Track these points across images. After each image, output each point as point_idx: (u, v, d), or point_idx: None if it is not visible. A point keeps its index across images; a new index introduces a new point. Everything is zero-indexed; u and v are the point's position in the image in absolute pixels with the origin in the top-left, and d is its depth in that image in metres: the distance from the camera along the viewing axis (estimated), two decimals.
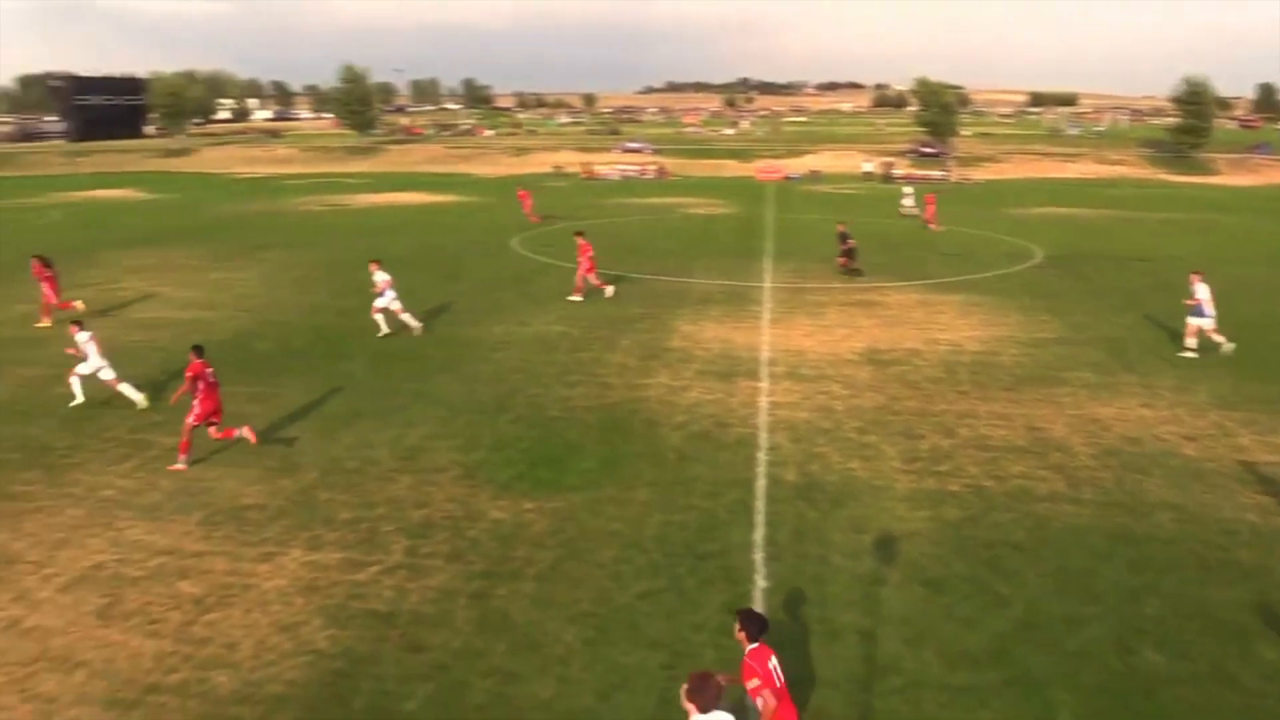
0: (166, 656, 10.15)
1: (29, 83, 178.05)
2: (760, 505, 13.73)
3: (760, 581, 11.61)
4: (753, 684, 7.38)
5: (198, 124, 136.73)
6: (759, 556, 12.25)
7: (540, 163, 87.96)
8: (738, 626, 7.69)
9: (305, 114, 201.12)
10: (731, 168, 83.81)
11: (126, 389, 18.52)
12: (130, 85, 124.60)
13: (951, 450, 15.85)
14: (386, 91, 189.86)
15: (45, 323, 25.19)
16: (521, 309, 26.47)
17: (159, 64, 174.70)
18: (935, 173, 75.46)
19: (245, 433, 15.75)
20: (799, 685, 9.67)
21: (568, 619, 10.86)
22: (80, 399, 18.50)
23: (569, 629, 10.66)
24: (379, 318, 23.76)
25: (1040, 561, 12.11)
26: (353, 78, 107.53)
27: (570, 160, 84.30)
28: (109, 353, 19.07)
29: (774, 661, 7.51)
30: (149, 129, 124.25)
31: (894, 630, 10.60)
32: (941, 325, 24.51)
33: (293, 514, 13.62)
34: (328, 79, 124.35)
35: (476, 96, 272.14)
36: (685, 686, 6.75)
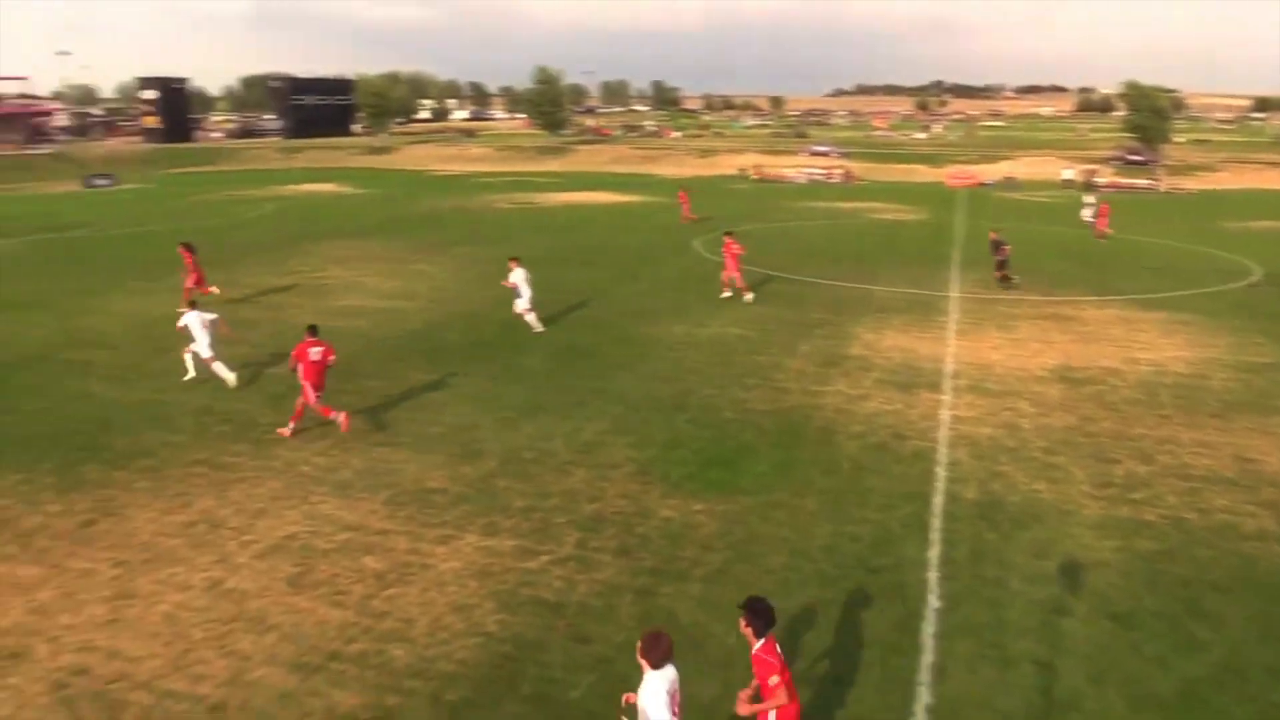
0: (348, 626, 10.69)
1: (251, 83, 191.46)
2: (937, 522, 13.28)
3: (933, 601, 11.23)
4: (773, 681, 7.37)
5: (400, 123, 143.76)
6: (933, 575, 11.84)
7: (725, 165, 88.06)
8: (744, 621, 7.58)
9: (500, 114, 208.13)
10: (921, 173, 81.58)
11: (219, 368, 19.74)
12: (340, 86, 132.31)
13: (1149, 478, 14.88)
14: (578, 93, 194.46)
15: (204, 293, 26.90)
16: (701, 310, 26.56)
17: (366, 66, 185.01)
18: (1142, 181, 71.16)
19: (340, 419, 16.80)
20: (968, 709, 9.31)
21: (732, 623, 10.77)
22: (192, 374, 20.08)
23: (733, 633, 10.57)
24: (530, 318, 24.16)
25: (1243, 604, 11.21)
26: (546, 79, 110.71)
27: (755, 163, 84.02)
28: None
29: (779, 653, 7.54)
30: (356, 128, 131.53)
31: (1075, 664, 10.03)
32: (1143, 344, 23.06)
33: (472, 500, 14.10)
34: (522, 80, 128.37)
35: (664, 98, 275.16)
36: (639, 644, 7.15)
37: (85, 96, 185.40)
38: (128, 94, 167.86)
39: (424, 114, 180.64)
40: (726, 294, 28.02)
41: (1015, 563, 12.14)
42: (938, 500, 13.98)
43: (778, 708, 7.42)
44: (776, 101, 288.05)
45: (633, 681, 9.67)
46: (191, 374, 20.09)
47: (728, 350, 22.29)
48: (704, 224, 45.46)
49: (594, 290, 29.70)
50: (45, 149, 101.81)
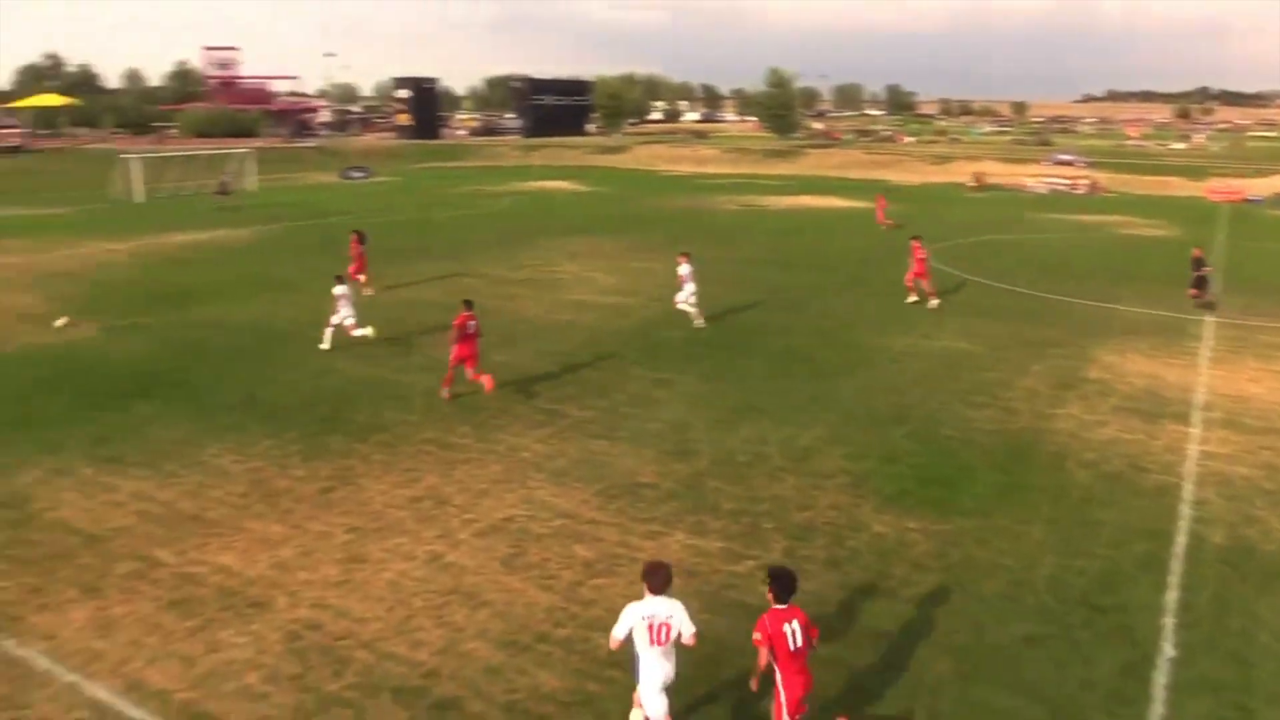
0: (556, 611, 11.00)
1: (494, 83, 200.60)
2: (1177, 565, 12.25)
3: (1167, 649, 10.36)
4: (755, 637, 8.04)
5: (633, 124, 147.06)
6: (1169, 621, 10.93)
7: (960, 172, 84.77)
8: (768, 587, 8.21)
9: (730, 116, 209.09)
10: (1177, 185, 75.62)
11: (359, 332, 22.40)
12: (577, 87, 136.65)
13: None
14: (810, 96, 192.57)
15: (368, 290, 28.57)
16: (927, 321, 25.68)
17: (605, 68, 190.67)
18: None
19: (486, 381, 18.54)
20: None
21: (941, 648, 10.37)
22: (327, 345, 22.39)
23: (941, 659, 10.17)
24: (692, 311, 24.73)
25: None
26: (778, 82, 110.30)
27: (976, 169, 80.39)
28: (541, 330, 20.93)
29: (794, 625, 8.00)
30: (590, 127, 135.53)
31: None
32: None
33: (682, 497, 14.21)
34: (755, 83, 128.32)
35: (899, 103, 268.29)
36: (643, 569, 8.41)
37: (346, 95, 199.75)
38: (383, 93, 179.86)
39: (656, 115, 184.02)
40: (912, 299, 27.66)
41: (1266, 618, 11.03)
42: (1180, 541, 12.90)
43: (784, 677, 8.00)
44: (1019, 107, 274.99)
45: (842, 702, 9.47)
46: (326, 345, 22.45)
47: (954, 364, 21.45)
48: (902, 231, 44.11)
49: (817, 295, 29.32)
50: (310, 143, 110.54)
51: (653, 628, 8.15)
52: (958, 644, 10.45)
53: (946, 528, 13.23)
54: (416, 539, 12.88)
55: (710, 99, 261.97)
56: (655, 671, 8.28)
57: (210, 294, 29.51)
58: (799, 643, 8.02)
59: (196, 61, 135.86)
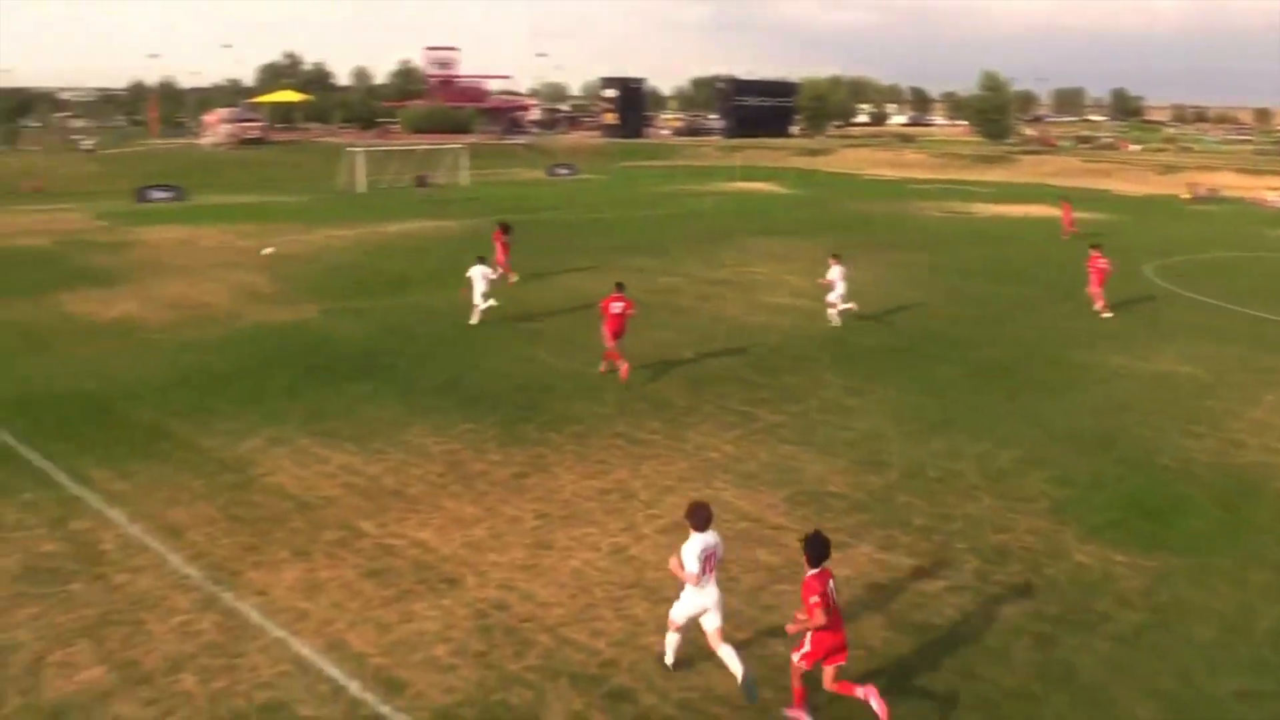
0: (735, 614, 10.91)
1: (700, 84, 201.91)
2: None
3: None
4: (813, 599, 8.66)
5: (837, 126, 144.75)
6: None
7: (1192, 183, 79.08)
8: (804, 551, 8.98)
9: (939, 120, 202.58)
10: None
11: (482, 304, 24.57)
12: (782, 88, 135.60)
13: None
14: (1026, 100, 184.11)
15: (513, 278, 30.06)
16: (1144, 340, 24.05)
17: (812, 69, 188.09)
18: None
19: (622, 368, 19.61)
20: None
21: (1144, 692, 9.69)
22: (476, 320, 24.55)
23: (1143, 704, 9.51)
24: (831, 313, 25.00)
25: None
26: (993, 85, 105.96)
27: (1228, 182, 74.60)
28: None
29: (831, 584, 8.90)
30: (794, 129, 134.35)
31: None
32: None
33: (870, 510, 13.87)
34: (967, 86, 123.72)
35: (1124, 108, 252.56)
36: (687, 508, 9.58)
37: (556, 94, 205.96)
38: (591, 92, 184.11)
39: (862, 118, 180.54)
40: (1098, 306, 27.08)
41: None
42: None
43: (815, 629, 8.73)
44: (1263, 114, 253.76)
45: None
46: (476, 320, 24.56)
47: (1173, 389, 20.01)
48: (1078, 234, 41.64)
49: (1023, 307, 28.03)
50: (520, 140, 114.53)
51: (710, 558, 9.39)
52: (1162, 689, 9.74)
53: (1156, 564, 12.36)
54: (602, 530, 13.12)
55: (919, 102, 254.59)
56: (702, 597, 9.43)
57: (421, 281, 31.07)
58: (836, 599, 8.94)
59: (419, 60, 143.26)
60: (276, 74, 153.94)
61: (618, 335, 19.91)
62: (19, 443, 16.46)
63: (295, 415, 17.75)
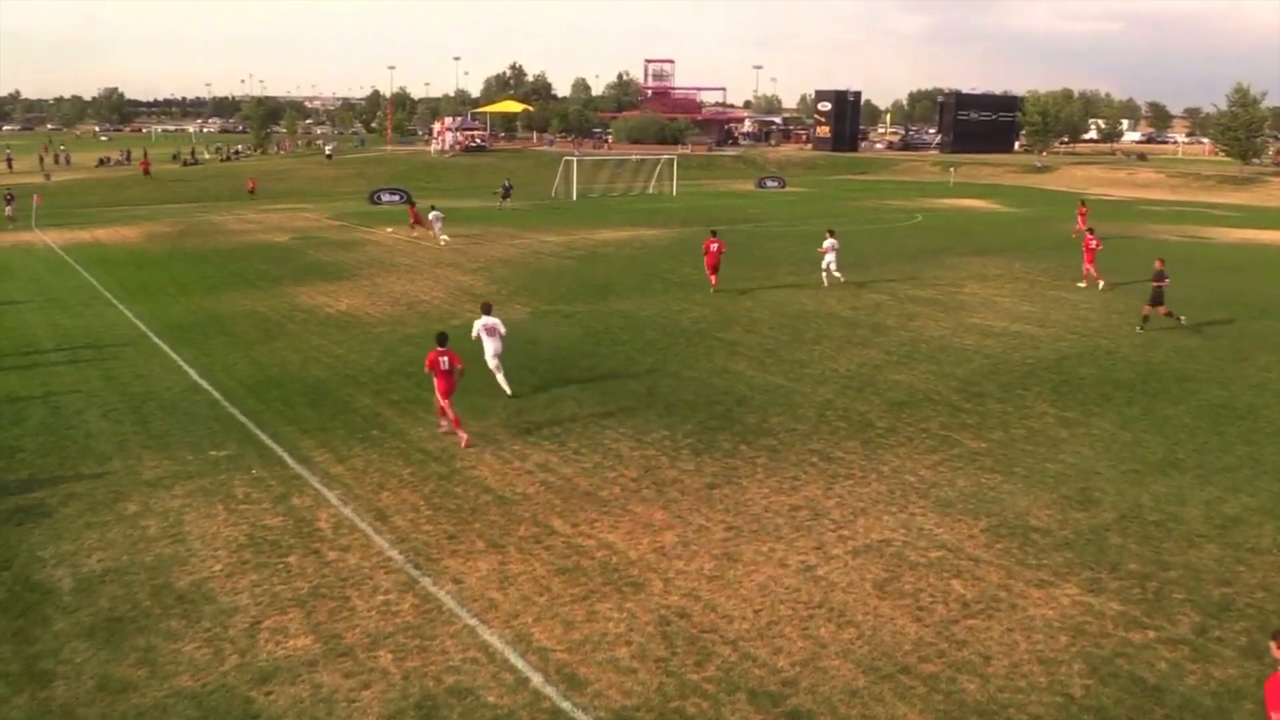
0: (925, 645, 10.54)
1: (917, 97, 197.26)
2: None
3: None
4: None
5: (1064, 142, 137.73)
6: None
7: None
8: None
9: (1179, 138, 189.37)
10: None
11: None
12: (1006, 103, 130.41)
13: None
14: None
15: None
16: None
17: (1042, 82, 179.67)
18: None
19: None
20: None
21: None
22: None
23: None
24: (823, 276, 30.58)
25: None
26: (1242, 101, 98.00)
27: None
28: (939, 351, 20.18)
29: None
30: (1017, 145, 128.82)
31: None
32: None
33: (1077, 549, 13.06)
34: (1215, 101, 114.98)
35: None
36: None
37: (770, 106, 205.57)
38: (806, 105, 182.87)
39: (1092, 134, 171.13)
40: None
41: None
42: None
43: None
44: None
45: None
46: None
47: None
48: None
49: (1266, 344, 25.68)
50: (731, 151, 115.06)
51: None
52: None
53: None
54: (790, 547, 12.94)
55: (1158, 118, 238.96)
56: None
57: (625, 288, 31.68)
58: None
59: (636, 72, 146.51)
60: (502, 85, 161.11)
61: (714, 270, 29.82)
62: (250, 421, 17.89)
63: (498, 411, 18.47)
